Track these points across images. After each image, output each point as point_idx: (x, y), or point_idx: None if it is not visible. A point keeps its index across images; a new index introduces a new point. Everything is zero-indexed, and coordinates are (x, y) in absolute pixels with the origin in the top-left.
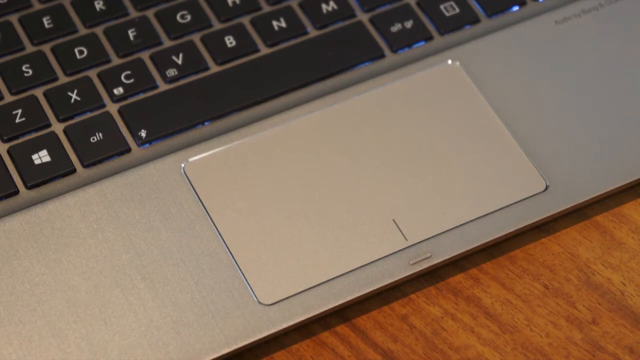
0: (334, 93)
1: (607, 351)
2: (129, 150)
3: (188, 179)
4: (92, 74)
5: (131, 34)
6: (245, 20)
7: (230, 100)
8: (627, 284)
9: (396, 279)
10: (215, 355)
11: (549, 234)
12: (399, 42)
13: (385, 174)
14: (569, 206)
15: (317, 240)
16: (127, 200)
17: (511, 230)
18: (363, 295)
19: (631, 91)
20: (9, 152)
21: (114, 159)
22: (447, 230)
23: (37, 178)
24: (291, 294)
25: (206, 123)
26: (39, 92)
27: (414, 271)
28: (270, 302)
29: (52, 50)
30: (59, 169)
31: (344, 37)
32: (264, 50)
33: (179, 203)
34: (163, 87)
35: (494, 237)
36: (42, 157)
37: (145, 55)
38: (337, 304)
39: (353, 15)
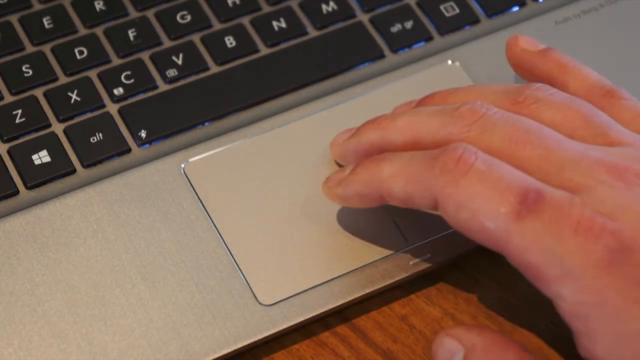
0: (334, 93)
1: None
2: (129, 150)
3: (188, 179)
4: (92, 74)
5: (131, 34)
6: (245, 20)
7: (230, 100)
8: None
9: (396, 279)
10: (215, 356)
11: None
12: (399, 43)
13: None
14: None
15: (317, 241)
16: (127, 201)
17: None
18: (363, 295)
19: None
20: (9, 152)
21: (114, 159)
22: (447, 231)
23: (37, 178)
24: (291, 294)
25: (206, 123)
26: (39, 92)
27: (414, 271)
28: (270, 303)
29: (52, 50)
30: (59, 169)
31: (344, 38)
32: (264, 51)
33: (179, 203)
34: (163, 87)
35: None
36: (42, 157)
37: (145, 56)
38: (337, 304)
39: (353, 16)
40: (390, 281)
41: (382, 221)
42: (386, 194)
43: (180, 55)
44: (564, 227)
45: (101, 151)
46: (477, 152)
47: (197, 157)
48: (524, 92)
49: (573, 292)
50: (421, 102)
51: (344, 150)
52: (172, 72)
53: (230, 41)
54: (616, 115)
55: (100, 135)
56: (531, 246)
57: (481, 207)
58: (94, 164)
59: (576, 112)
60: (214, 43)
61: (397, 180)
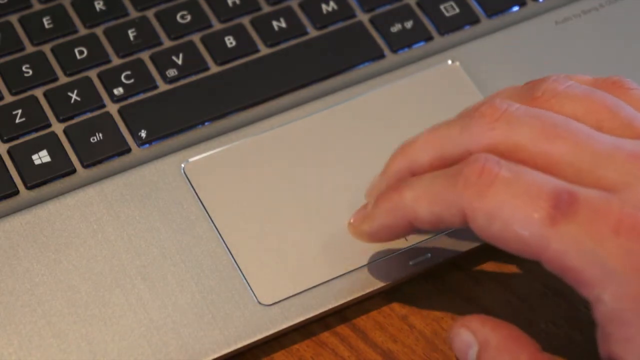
0: (334, 93)
1: None
2: (129, 150)
3: (188, 179)
4: (92, 74)
5: (131, 34)
6: (245, 20)
7: (230, 100)
8: None
9: (396, 279)
10: (215, 356)
11: None
12: (399, 42)
13: None
14: None
15: (318, 241)
16: (127, 201)
17: None
18: (363, 295)
19: None
20: (9, 152)
21: (114, 159)
22: (447, 231)
23: (37, 178)
24: (291, 294)
25: (206, 123)
26: (39, 92)
27: (414, 271)
28: (270, 303)
29: (52, 50)
30: (59, 169)
31: (344, 37)
32: (264, 50)
33: (179, 203)
34: (163, 87)
35: None
36: (42, 157)
37: (145, 56)
38: (337, 304)
39: (353, 16)
40: (390, 281)
41: None
42: (413, 219)
43: (180, 55)
44: (603, 227)
45: (101, 151)
46: (499, 161)
47: (197, 157)
48: (541, 86)
49: (615, 298)
50: None
51: (378, 191)
52: (172, 72)
53: (230, 41)
54: None
55: (100, 135)
56: (570, 250)
57: (513, 215)
58: (94, 164)
59: (599, 104)
60: (214, 43)
61: (421, 202)
